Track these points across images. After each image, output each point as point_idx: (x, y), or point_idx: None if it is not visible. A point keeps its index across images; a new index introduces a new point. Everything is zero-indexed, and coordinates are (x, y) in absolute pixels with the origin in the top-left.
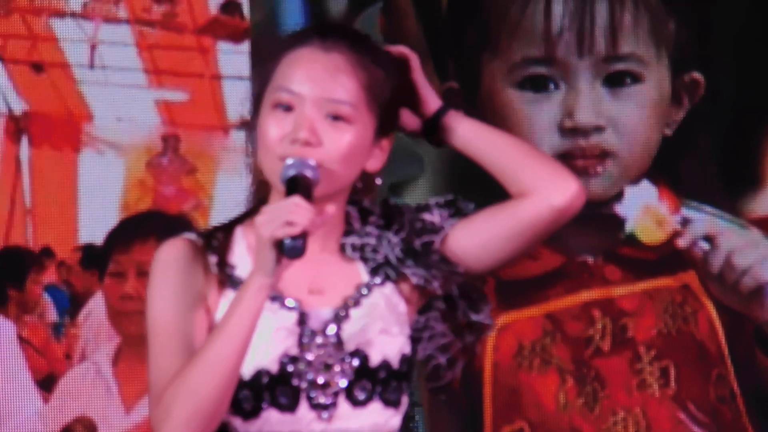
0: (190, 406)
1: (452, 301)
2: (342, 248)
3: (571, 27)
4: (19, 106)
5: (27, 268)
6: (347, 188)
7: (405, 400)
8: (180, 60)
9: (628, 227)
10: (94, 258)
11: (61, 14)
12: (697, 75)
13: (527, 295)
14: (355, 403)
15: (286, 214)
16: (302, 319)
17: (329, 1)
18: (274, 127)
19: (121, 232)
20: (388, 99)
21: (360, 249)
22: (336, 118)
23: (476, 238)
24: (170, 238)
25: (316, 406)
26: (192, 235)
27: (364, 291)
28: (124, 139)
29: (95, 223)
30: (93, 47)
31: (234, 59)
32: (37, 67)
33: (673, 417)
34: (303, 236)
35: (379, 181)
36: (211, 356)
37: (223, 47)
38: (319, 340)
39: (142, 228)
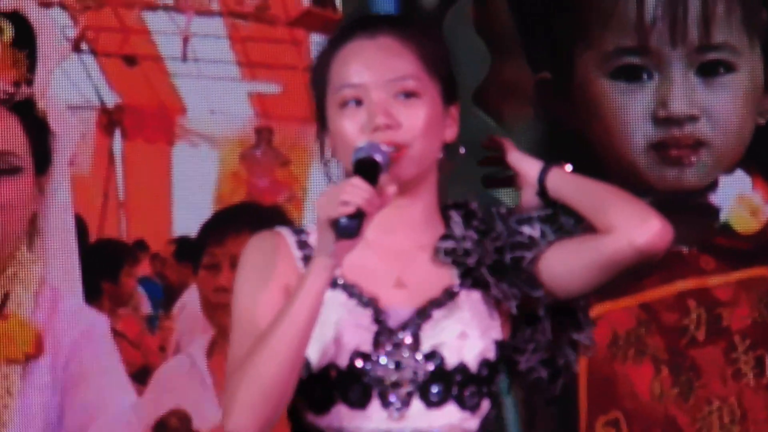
0: (254, 390)
1: (558, 317)
2: (436, 251)
3: (664, 17)
4: (111, 99)
5: (121, 261)
6: (434, 170)
7: (485, 404)
8: (273, 52)
9: (723, 217)
10: (188, 250)
11: (153, 7)
12: None
13: (621, 285)
14: (429, 403)
15: (342, 193)
16: (379, 317)
17: None
18: (349, 123)
19: (215, 225)
20: (446, 67)
21: (452, 253)
22: (405, 95)
23: (564, 265)
24: (263, 230)
25: (388, 405)
26: (283, 229)
27: (450, 294)
28: (217, 132)
29: (189, 215)
30: (185, 40)
31: None
32: (130, 60)
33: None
34: (359, 216)
35: (462, 150)
36: (274, 340)
37: (316, 39)
38: (395, 338)
39: (236, 220)
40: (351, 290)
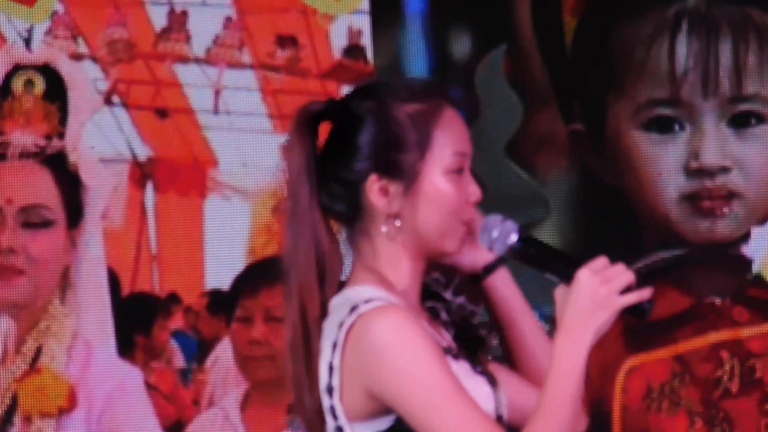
0: None
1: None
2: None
3: (696, 68)
4: (143, 152)
5: (154, 314)
6: None
7: None
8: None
9: (756, 268)
10: (221, 303)
11: (184, 60)
12: None
13: (656, 336)
14: None
15: (623, 276)
16: (491, 381)
17: (454, 44)
18: (458, 191)
19: (249, 277)
20: None
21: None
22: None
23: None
24: (376, 308)
25: None
26: (393, 299)
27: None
28: (249, 184)
29: (221, 268)
30: (217, 92)
31: None
32: (162, 113)
33: None
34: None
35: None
36: (562, 404)
37: (348, 91)
38: (503, 400)
39: (270, 273)
40: (461, 357)
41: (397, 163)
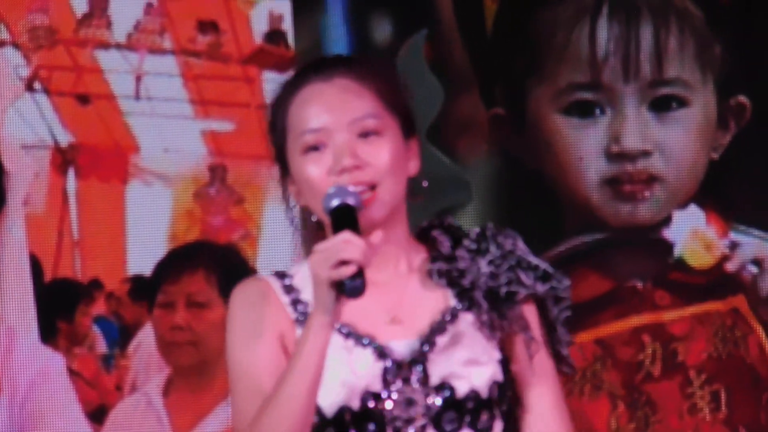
0: None
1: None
2: (429, 274)
3: (617, 52)
4: (65, 138)
5: (76, 300)
6: (402, 204)
7: (498, 425)
8: (226, 90)
9: (677, 252)
10: (143, 289)
11: (105, 46)
12: (743, 99)
13: (577, 320)
14: None
15: (339, 252)
16: (382, 353)
17: (374, 29)
18: (315, 168)
19: (170, 263)
20: (403, 102)
21: (446, 273)
22: (366, 134)
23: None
24: (245, 279)
25: None
26: (267, 276)
27: (449, 317)
28: (171, 170)
29: (143, 254)
30: (138, 78)
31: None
32: (83, 99)
33: None
34: (361, 273)
35: (425, 184)
36: (283, 398)
37: (269, 76)
38: (402, 374)
39: (191, 259)
40: (347, 331)
41: (276, 155)
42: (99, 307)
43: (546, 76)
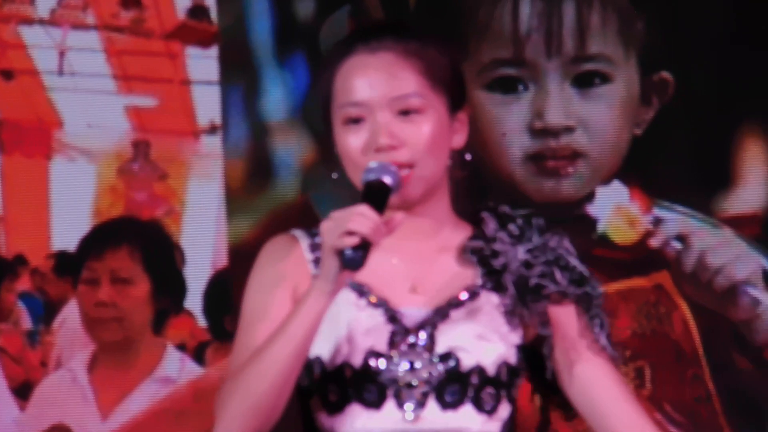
0: (244, 403)
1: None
2: (464, 251)
3: (539, 28)
4: None
5: (0, 276)
6: (444, 179)
7: (504, 408)
8: (149, 65)
9: (600, 228)
10: (68, 265)
11: (29, 21)
12: (666, 75)
13: None
14: (445, 405)
15: (348, 222)
16: (393, 317)
17: (297, 4)
18: (353, 141)
19: (94, 239)
20: (450, 74)
21: (479, 251)
22: (407, 113)
23: (571, 384)
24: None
25: (403, 405)
26: (298, 232)
27: (471, 294)
28: (94, 146)
29: (68, 230)
30: (62, 54)
31: (203, 64)
32: (7, 75)
33: (649, 417)
34: (364, 247)
35: (468, 157)
36: (268, 357)
37: (192, 52)
38: (410, 339)
39: (115, 234)
40: (361, 289)
41: (323, 117)
42: (24, 283)
43: (469, 52)
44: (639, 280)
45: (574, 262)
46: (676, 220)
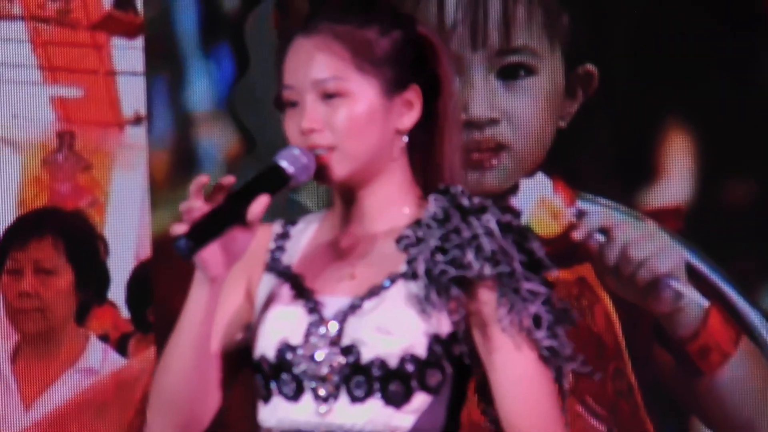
0: (158, 399)
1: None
2: (398, 239)
3: (465, 20)
4: None
5: None
6: (399, 157)
7: (418, 400)
8: (74, 56)
9: (524, 220)
10: None
11: None
12: (591, 67)
13: None
14: (353, 398)
15: (183, 205)
16: (314, 308)
17: None
18: (290, 126)
19: (18, 230)
20: (390, 52)
21: (405, 239)
22: (329, 96)
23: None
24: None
25: (318, 398)
26: (278, 220)
27: (387, 283)
28: (19, 136)
29: None
30: None
31: (128, 55)
32: None
33: (571, 410)
34: (196, 236)
35: (405, 139)
36: (169, 351)
37: (117, 43)
38: (321, 330)
39: (39, 225)
40: (294, 280)
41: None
42: None
43: None
44: (562, 273)
45: (489, 242)
46: (599, 212)
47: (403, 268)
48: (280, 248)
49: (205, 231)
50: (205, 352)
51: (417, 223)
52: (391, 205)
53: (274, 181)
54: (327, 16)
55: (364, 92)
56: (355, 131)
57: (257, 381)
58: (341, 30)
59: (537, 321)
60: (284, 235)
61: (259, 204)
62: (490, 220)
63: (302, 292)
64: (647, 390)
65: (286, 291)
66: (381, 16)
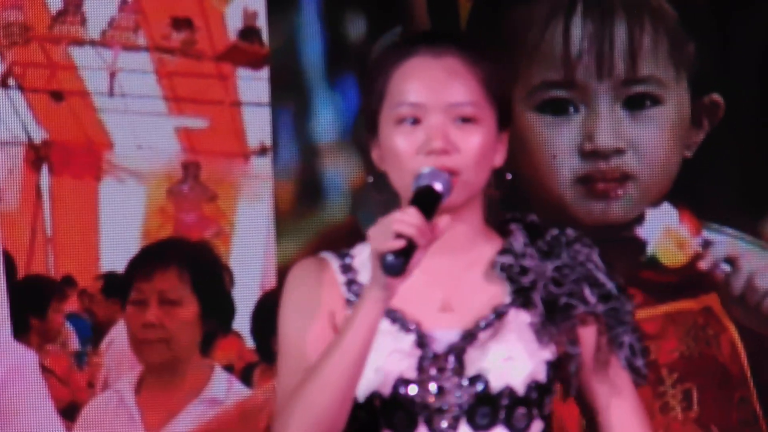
0: (307, 420)
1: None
2: (494, 266)
3: (590, 50)
4: (39, 135)
5: (49, 296)
6: (480, 194)
7: (536, 427)
8: (199, 87)
9: (649, 250)
10: (116, 286)
11: (80, 42)
12: (717, 97)
13: None
14: (476, 427)
15: (393, 224)
16: (422, 342)
17: (348, 26)
18: (404, 141)
19: (143, 260)
20: (504, 91)
21: (509, 269)
22: (464, 120)
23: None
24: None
25: (434, 430)
26: (327, 254)
27: (499, 314)
28: (144, 167)
29: (116, 251)
30: (112, 75)
31: (253, 86)
32: (57, 96)
33: None
34: (406, 253)
35: (509, 176)
36: (326, 371)
37: (243, 74)
38: (439, 363)
39: (164, 256)
40: (394, 316)
41: (367, 115)
42: (72, 304)
43: (519, 74)
44: (687, 303)
45: (602, 277)
46: (725, 242)
47: (507, 297)
48: (354, 282)
49: (408, 249)
50: (359, 373)
51: (510, 252)
52: (477, 235)
53: (432, 203)
54: (453, 39)
55: (490, 122)
56: (480, 160)
57: (358, 417)
58: (471, 57)
59: (632, 349)
60: (348, 268)
61: (446, 224)
62: (594, 253)
63: (404, 325)
64: None
65: (386, 326)
66: (494, 51)
